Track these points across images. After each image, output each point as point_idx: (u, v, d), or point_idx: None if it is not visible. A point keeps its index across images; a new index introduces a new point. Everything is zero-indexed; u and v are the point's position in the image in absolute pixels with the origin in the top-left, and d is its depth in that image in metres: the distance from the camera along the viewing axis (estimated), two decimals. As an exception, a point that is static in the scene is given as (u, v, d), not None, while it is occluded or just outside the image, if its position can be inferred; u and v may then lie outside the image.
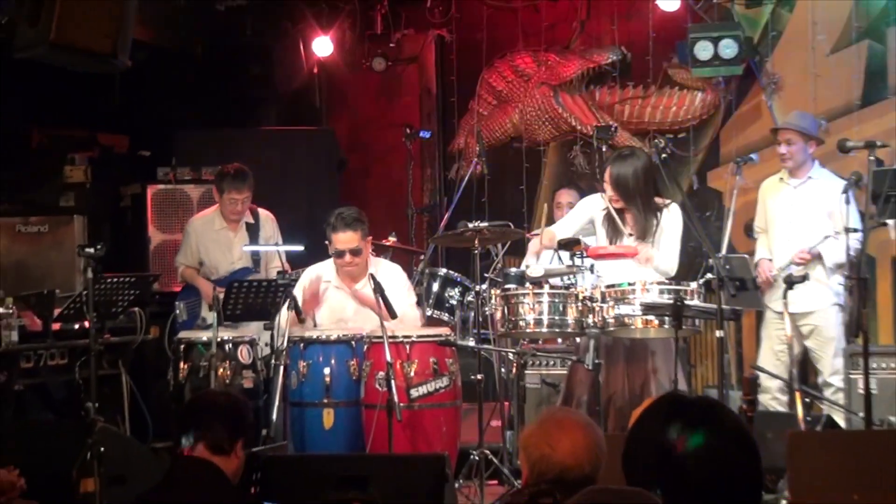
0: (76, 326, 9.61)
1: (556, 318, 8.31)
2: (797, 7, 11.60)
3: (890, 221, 8.92)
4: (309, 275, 9.47)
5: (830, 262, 9.38)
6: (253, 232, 10.45)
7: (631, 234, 8.50)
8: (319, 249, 9.71)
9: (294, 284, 9.23)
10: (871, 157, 8.31)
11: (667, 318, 8.02)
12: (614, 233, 8.56)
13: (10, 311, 9.41)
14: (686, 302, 7.95)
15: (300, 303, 9.12)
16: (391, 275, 9.35)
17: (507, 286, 8.50)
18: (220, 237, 10.44)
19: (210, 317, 9.49)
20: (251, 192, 10.33)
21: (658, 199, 8.54)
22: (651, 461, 3.10)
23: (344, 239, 9.14)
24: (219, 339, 9.10)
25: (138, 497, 5.46)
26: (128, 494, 6.41)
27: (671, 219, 8.52)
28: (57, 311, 9.57)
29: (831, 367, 9.45)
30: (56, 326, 9.59)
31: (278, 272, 9.87)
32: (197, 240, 10.46)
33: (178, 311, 10.50)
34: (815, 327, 9.50)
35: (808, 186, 9.63)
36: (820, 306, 9.46)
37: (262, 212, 10.56)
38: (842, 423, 8.89)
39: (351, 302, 9.35)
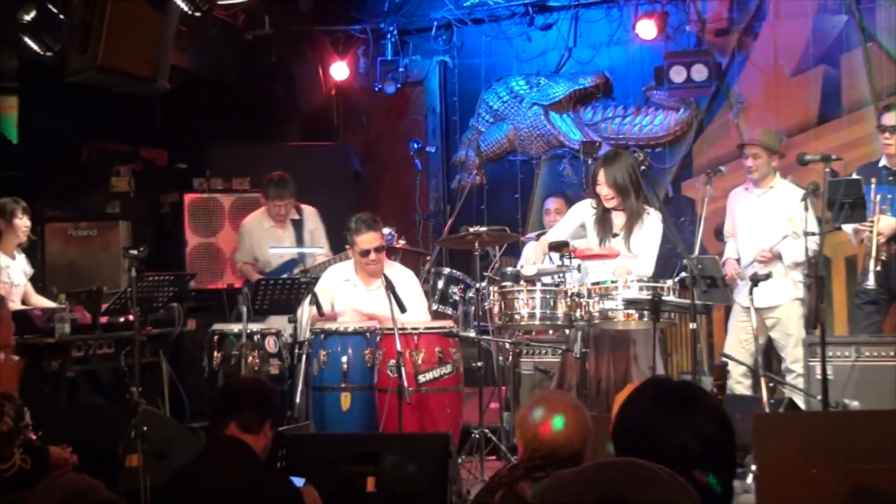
0: (121, 319, 9.61)
1: (548, 311, 8.32)
2: (761, 35, 11.58)
3: (848, 228, 8.90)
4: (331, 276, 9.47)
5: (788, 260, 9.37)
6: (298, 227, 10.50)
7: (616, 234, 8.51)
8: (338, 250, 9.74)
9: (315, 282, 9.24)
10: (827, 169, 8.30)
11: (646, 312, 8.03)
12: (604, 233, 8.56)
13: (63, 306, 9.42)
14: (663, 297, 7.96)
15: (321, 300, 9.13)
16: (404, 277, 9.35)
17: (503, 283, 8.50)
18: (270, 235, 10.48)
19: (242, 298, 9.55)
20: (293, 196, 10.39)
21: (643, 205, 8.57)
22: (637, 438, 3.09)
23: (368, 239, 9.15)
24: (248, 331, 9.11)
25: (176, 471, 5.45)
26: (168, 468, 6.39)
27: (651, 225, 8.53)
28: (104, 306, 9.58)
29: (792, 355, 9.43)
30: (104, 320, 9.60)
31: (300, 270, 9.92)
32: (250, 239, 10.52)
33: (241, 304, 10.52)
34: (779, 320, 9.48)
35: (770, 195, 9.61)
36: (782, 301, 9.44)
37: (306, 208, 10.62)
38: (802, 404, 8.87)
39: (367, 298, 9.34)
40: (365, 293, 9.33)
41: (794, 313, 9.46)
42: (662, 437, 3.02)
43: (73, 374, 9.34)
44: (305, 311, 9.02)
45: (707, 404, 3.15)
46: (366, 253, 9.17)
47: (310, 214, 10.58)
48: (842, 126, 11.17)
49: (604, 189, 8.54)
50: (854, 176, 8.79)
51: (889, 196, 8.67)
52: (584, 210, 8.74)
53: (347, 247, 9.35)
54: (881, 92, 10.95)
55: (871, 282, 8.87)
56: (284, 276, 9.96)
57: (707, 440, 3.06)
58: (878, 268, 8.88)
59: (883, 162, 9.32)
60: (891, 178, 9.17)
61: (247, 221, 10.71)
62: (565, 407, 4.76)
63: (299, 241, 10.44)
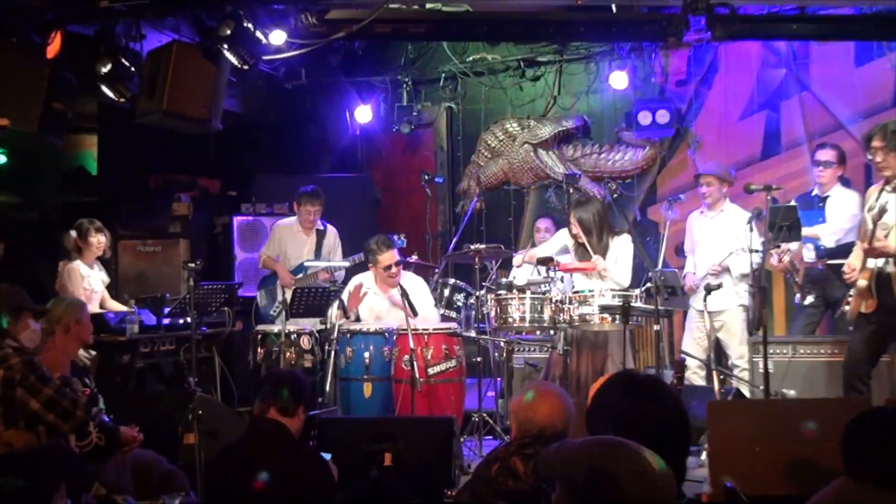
0: (181, 321, 9.62)
1: (536, 315, 8.33)
2: (714, 85, 11.56)
3: (793, 245, 8.87)
4: (354, 282, 9.48)
5: (736, 272, 9.34)
6: (320, 238, 10.46)
7: (595, 253, 8.53)
8: (361, 264, 9.74)
9: (342, 290, 9.26)
10: (769, 197, 8.28)
11: (618, 316, 8.02)
12: (583, 255, 8.57)
13: (133, 309, 9.44)
14: (632, 304, 7.95)
15: (346, 303, 9.13)
16: (416, 284, 9.37)
17: (499, 292, 8.50)
18: (297, 239, 10.45)
19: (282, 300, 9.54)
20: (322, 206, 10.36)
21: (613, 231, 8.58)
22: (609, 421, 3.08)
23: (388, 256, 9.19)
24: (286, 331, 9.11)
25: (226, 447, 5.45)
26: (219, 445, 6.38)
27: (623, 245, 8.55)
28: (167, 310, 9.59)
29: (737, 352, 9.40)
30: (166, 321, 9.61)
31: (331, 281, 9.92)
32: (280, 238, 10.48)
33: (259, 298, 10.50)
34: (724, 323, 9.44)
35: (721, 217, 9.59)
36: (728, 307, 9.40)
37: (330, 227, 10.59)
38: (747, 394, 8.85)
39: (385, 303, 9.35)
40: (382, 299, 9.36)
41: (738, 317, 9.43)
42: (629, 421, 3.01)
43: (141, 366, 9.36)
44: (334, 313, 9.03)
45: (667, 395, 3.14)
46: (388, 268, 9.19)
47: (332, 232, 10.57)
48: (781, 161, 11.16)
49: (573, 228, 8.59)
50: (791, 203, 8.79)
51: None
52: (566, 236, 8.78)
53: (370, 265, 9.36)
54: (814, 133, 10.94)
55: (807, 300, 8.91)
56: (316, 285, 9.96)
57: (666, 424, 3.05)
58: (798, 279, 8.91)
59: (815, 191, 9.33)
60: (820, 204, 9.20)
61: (280, 223, 10.68)
62: (552, 395, 4.75)
63: (318, 248, 10.42)
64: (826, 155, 9.27)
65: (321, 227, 10.48)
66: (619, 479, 2.63)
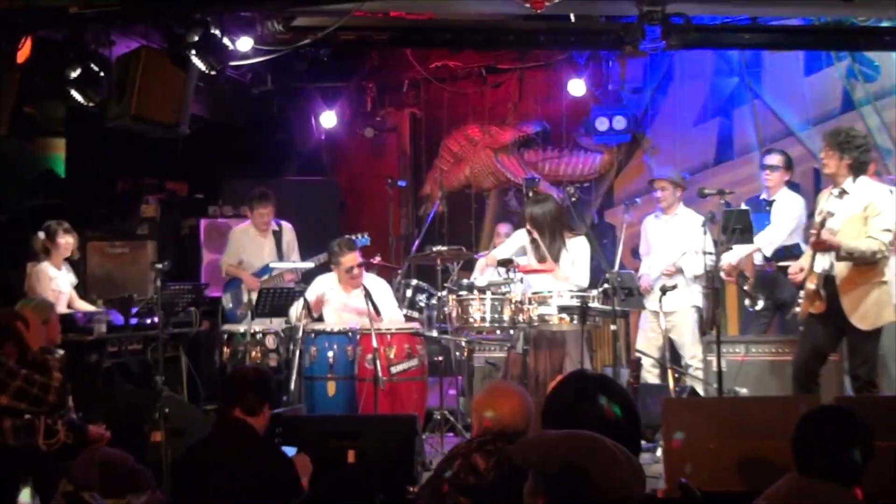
0: (148, 321, 9.56)
1: (496, 316, 8.30)
2: (669, 93, 11.63)
3: (747, 247, 8.92)
4: (318, 284, 9.45)
5: (689, 273, 9.39)
6: (277, 237, 10.43)
7: (549, 253, 8.52)
8: (325, 266, 9.71)
9: (305, 290, 9.23)
10: (722, 201, 8.34)
11: (575, 316, 8.02)
12: (538, 255, 8.56)
13: (101, 309, 9.38)
14: (589, 304, 7.96)
15: (311, 304, 9.10)
16: (379, 286, 9.36)
17: (460, 293, 8.47)
18: (255, 242, 10.39)
19: (248, 301, 9.50)
20: (274, 207, 10.31)
21: (568, 233, 8.57)
22: (562, 419, 3.07)
23: (351, 258, 9.18)
24: (252, 331, 9.08)
25: (192, 445, 5.41)
26: (185, 443, 6.33)
27: (580, 247, 8.54)
28: (134, 310, 9.54)
29: (690, 352, 9.44)
30: (134, 321, 9.56)
31: (294, 282, 9.88)
32: (237, 244, 10.42)
33: (225, 301, 10.45)
34: (676, 323, 9.46)
35: (675, 221, 9.62)
36: (680, 307, 9.42)
37: (285, 223, 10.54)
38: (701, 391, 8.88)
39: (348, 303, 9.32)
40: (346, 298, 9.33)
41: (690, 318, 9.47)
42: (580, 420, 3.01)
43: (109, 365, 9.30)
44: (297, 313, 8.98)
45: (617, 394, 3.15)
46: (350, 269, 9.17)
47: (287, 228, 10.54)
48: (734, 166, 11.24)
49: (527, 224, 8.59)
50: (744, 207, 8.84)
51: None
52: (523, 236, 8.76)
53: (333, 266, 9.34)
54: (765, 139, 11.04)
55: (757, 305, 8.94)
56: (284, 283, 9.93)
57: (616, 422, 3.05)
58: (746, 287, 8.97)
59: (763, 195, 9.40)
60: (768, 208, 9.26)
61: (235, 229, 10.63)
62: (513, 394, 4.75)
63: (278, 248, 10.38)
64: (773, 160, 9.36)
65: (276, 227, 10.44)
66: (590, 473, 2.64)
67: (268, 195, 10.30)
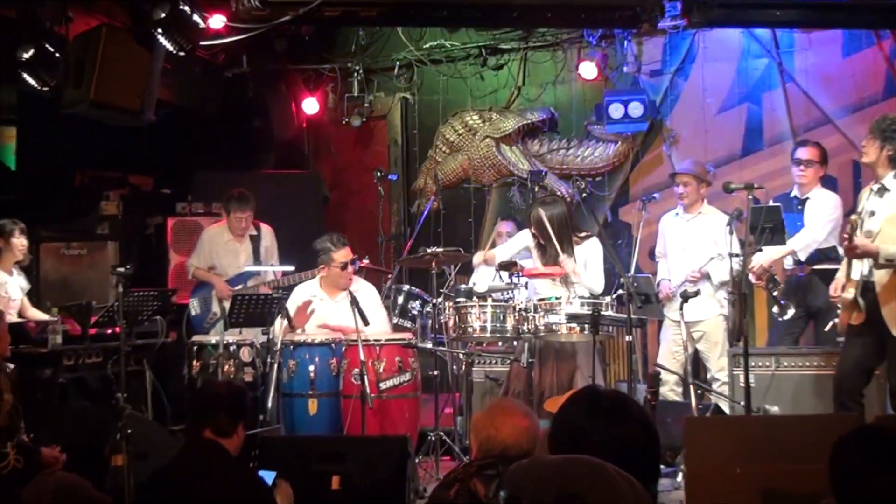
0: (109, 331, 9.54)
1: (498, 325, 8.33)
2: (691, 76, 11.63)
3: (779, 249, 8.91)
4: (299, 293, 9.43)
5: (716, 279, 9.38)
6: (255, 242, 10.43)
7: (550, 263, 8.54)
8: (308, 268, 9.69)
9: (286, 298, 9.21)
10: (750, 197, 8.30)
11: (586, 326, 8.02)
12: (545, 258, 8.57)
13: (56, 318, 9.36)
14: (602, 312, 7.96)
15: (292, 316, 9.07)
16: (367, 291, 9.36)
17: (458, 299, 8.49)
18: (229, 247, 10.39)
19: (220, 310, 9.48)
20: (253, 211, 10.31)
21: (579, 234, 8.58)
22: (571, 441, 3.07)
23: (345, 253, 9.24)
24: (225, 342, 9.06)
25: (157, 470, 5.40)
26: (150, 468, 6.33)
27: (592, 249, 8.57)
28: (93, 319, 9.52)
29: (717, 365, 9.44)
30: (93, 331, 9.54)
31: (273, 287, 9.85)
32: (210, 248, 10.42)
33: (192, 307, 10.44)
34: (704, 333, 9.47)
35: (698, 220, 9.63)
36: (708, 316, 9.44)
37: (264, 226, 10.54)
38: (727, 409, 8.87)
39: (333, 309, 9.32)
40: (331, 305, 9.34)
41: (718, 327, 9.47)
42: (592, 443, 3.00)
43: (64, 380, 9.25)
44: (277, 323, 8.97)
45: (635, 413, 3.14)
46: (345, 266, 9.19)
47: (266, 232, 10.54)
48: (763, 158, 11.24)
49: (532, 227, 8.60)
50: (775, 203, 8.83)
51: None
52: (527, 237, 8.77)
53: (322, 266, 9.33)
54: (798, 128, 11.04)
55: (787, 314, 8.92)
56: (260, 292, 9.91)
57: (633, 446, 3.04)
58: (776, 293, 8.94)
59: (794, 192, 9.38)
60: (800, 207, 9.25)
61: (208, 229, 10.64)
62: (517, 412, 4.74)
63: (255, 255, 10.39)
64: (806, 153, 9.32)
65: (254, 232, 10.43)
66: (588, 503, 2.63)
67: (247, 197, 10.28)
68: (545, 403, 8.10)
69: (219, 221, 10.58)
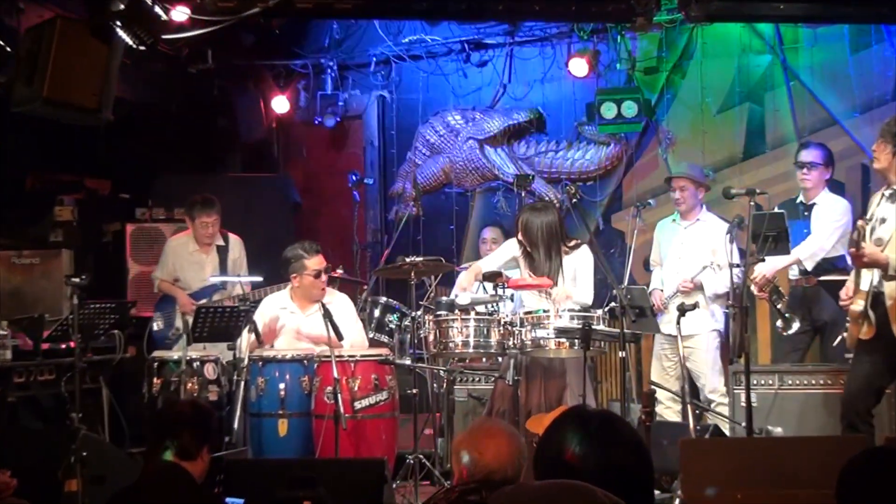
0: (63, 346, 9.52)
1: (481, 340, 8.33)
2: (688, 73, 11.66)
3: (783, 259, 8.92)
4: (269, 304, 9.40)
5: (710, 291, 9.41)
6: (223, 253, 10.41)
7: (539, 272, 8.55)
8: (277, 279, 9.68)
9: (254, 310, 9.18)
10: (752, 203, 8.32)
11: (576, 341, 8.03)
12: (533, 268, 8.58)
13: (6, 332, 9.33)
14: (593, 326, 7.96)
15: (260, 331, 9.04)
16: (341, 303, 9.34)
17: (438, 312, 8.49)
18: (194, 258, 10.38)
19: (183, 325, 9.45)
20: (219, 215, 10.29)
21: (569, 242, 8.60)
22: (557, 465, 3.07)
23: (318, 261, 9.17)
24: (188, 358, 9.04)
25: (114, 496, 5.38)
26: (106, 494, 6.30)
27: (583, 258, 8.58)
28: (46, 333, 9.49)
29: (710, 384, 9.46)
30: (45, 346, 9.51)
31: (240, 298, 9.82)
32: (174, 259, 10.41)
33: (154, 321, 10.41)
34: (693, 349, 9.45)
35: (696, 227, 9.66)
36: (699, 331, 9.44)
37: (232, 236, 10.52)
38: (727, 431, 8.89)
39: (305, 323, 9.29)
40: (303, 318, 9.31)
41: (710, 343, 9.50)
42: (580, 467, 3.00)
43: (14, 399, 9.24)
44: (244, 338, 8.94)
45: (625, 435, 3.14)
46: (319, 274, 9.15)
47: (235, 243, 10.52)
48: (766, 161, 11.26)
49: (519, 234, 8.62)
50: (778, 210, 8.84)
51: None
52: (514, 246, 8.78)
53: (294, 275, 9.27)
54: (804, 129, 11.06)
55: (792, 328, 8.92)
56: (225, 304, 9.88)
57: (624, 470, 3.04)
58: (780, 305, 8.95)
59: (800, 198, 9.40)
60: (806, 213, 9.27)
61: (172, 239, 10.64)
62: (501, 434, 4.75)
63: (223, 267, 10.36)
64: (810, 155, 9.34)
65: (222, 242, 10.40)
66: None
67: (212, 201, 10.26)
68: (528, 423, 8.11)
69: (184, 231, 10.56)
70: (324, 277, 9.24)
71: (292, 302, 9.37)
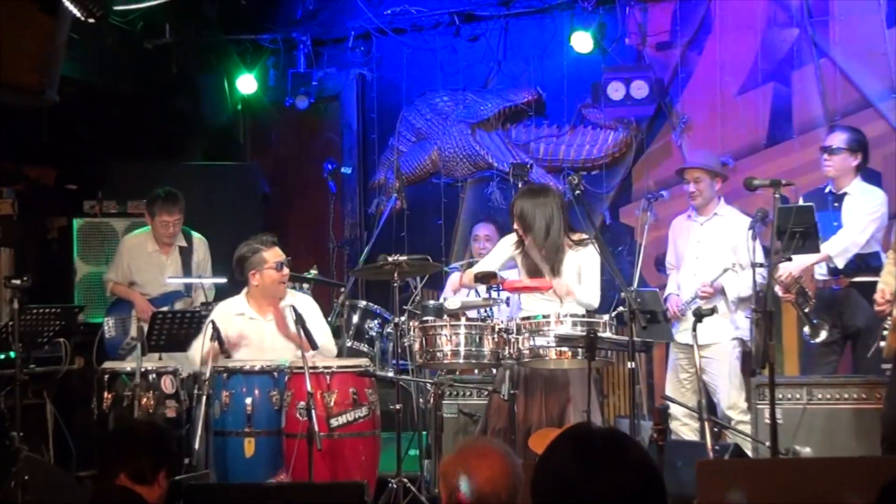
0: (2, 356, 9.49)
1: (473, 349, 8.31)
2: (706, 49, 11.67)
3: (811, 257, 8.92)
4: (221, 315, 9.22)
5: (733, 295, 9.41)
6: (186, 255, 10.41)
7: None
8: (243, 281, 9.66)
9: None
10: (777, 195, 8.31)
11: (580, 350, 8.02)
12: (531, 266, 8.56)
13: (-62, 341, 9.32)
14: (599, 334, 7.96)
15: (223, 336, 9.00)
16: (309, 307, 9.29)
17: (425, 318, 8.48)
18: (153, 260, 10.39)
19: (138, 332, 9.42)
20: (182, 214, 10.29)
21: (574, 236, 8.57)
22: (557, 489, 3.07)
23: (276, 252, 9.10)
24: (142, 369, 9.01)
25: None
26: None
27: (588, 256, 8.54)
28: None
29: (728, 399, 9.45)
30: (-19, 357, 9.49)
31: (202, 303, 9.81)
32: (129, 260, 10.40)
33: (106, 327, 10.40)
34: (710, 360, 9.46)
35: (714, 223, 9.66)
36: (718, 339, 9.45)
37: (196, 235, 10.54)
38: (749, 451, 8.89)
39: (268, 332, 9.24)
40: (262, 324, 9.21)
41: (730, 354, 9.49)
42: (582, 491, 3.00)
43: (-52, 416, 9.23)
44: (205, 346, 8.86)
45: (633, 455, 3.14)
46: (280, 266, 9.08)
47: (199, 243, 10.52)
48: (793, 148, 11.26)
49: (514, 223, 8.59)
50: (806, 203, 8.84)
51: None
52: (510, 244, 8.74)
53: (252, 272, 9.17)
54: (834, 112, 11.05)
55: (820, 336, 8.93)
56: (182, 310, 9.87)
57: (631, 495, 3.05)
58: (807, 309, 8.95)
59: (829, 187, 9.40)
60: (836, 204, 9.27)
61: (127, 238, 10.64)
62: (494, 454, 4.74)
63: (185, 270, 10.35)
64: (835, 139, 9.35)
65: (184, 243, 10.40)
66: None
67: (175, 197, 10.25)
68: (529, 440, 8.11)
69: (142, 229, 10.54)
70: (285, 270, 9.17)
71: (249, 307, 9.26)
